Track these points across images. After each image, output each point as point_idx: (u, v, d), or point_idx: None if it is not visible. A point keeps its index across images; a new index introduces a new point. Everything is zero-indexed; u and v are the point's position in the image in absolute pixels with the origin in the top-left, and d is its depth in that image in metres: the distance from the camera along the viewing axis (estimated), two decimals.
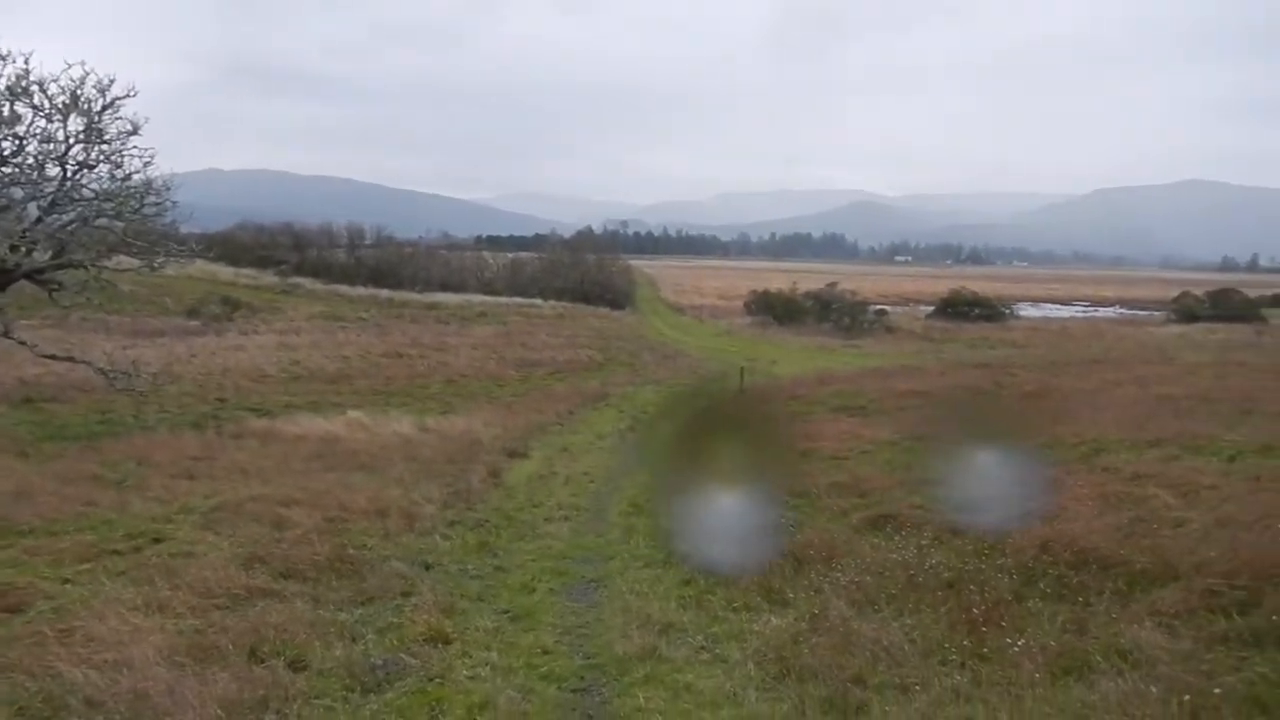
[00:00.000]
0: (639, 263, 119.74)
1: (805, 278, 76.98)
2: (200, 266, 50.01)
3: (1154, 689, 4.89)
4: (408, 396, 27.74)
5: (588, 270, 72.95)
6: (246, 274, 63.15)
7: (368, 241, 79.12)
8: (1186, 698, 4.72)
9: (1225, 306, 60.98)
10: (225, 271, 60.83)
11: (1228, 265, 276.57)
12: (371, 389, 29.03)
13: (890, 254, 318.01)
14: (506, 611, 8.02)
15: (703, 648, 6.90)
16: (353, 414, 21.82)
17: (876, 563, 8.10)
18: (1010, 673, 5.61)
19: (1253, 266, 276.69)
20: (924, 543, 8.48)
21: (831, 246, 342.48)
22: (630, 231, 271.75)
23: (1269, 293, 75.97)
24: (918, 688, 5.65)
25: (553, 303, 63.00)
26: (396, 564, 9.07)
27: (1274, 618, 5.56)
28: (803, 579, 7.99)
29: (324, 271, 68.36)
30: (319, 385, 29.46)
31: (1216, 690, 4.77)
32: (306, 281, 64.22)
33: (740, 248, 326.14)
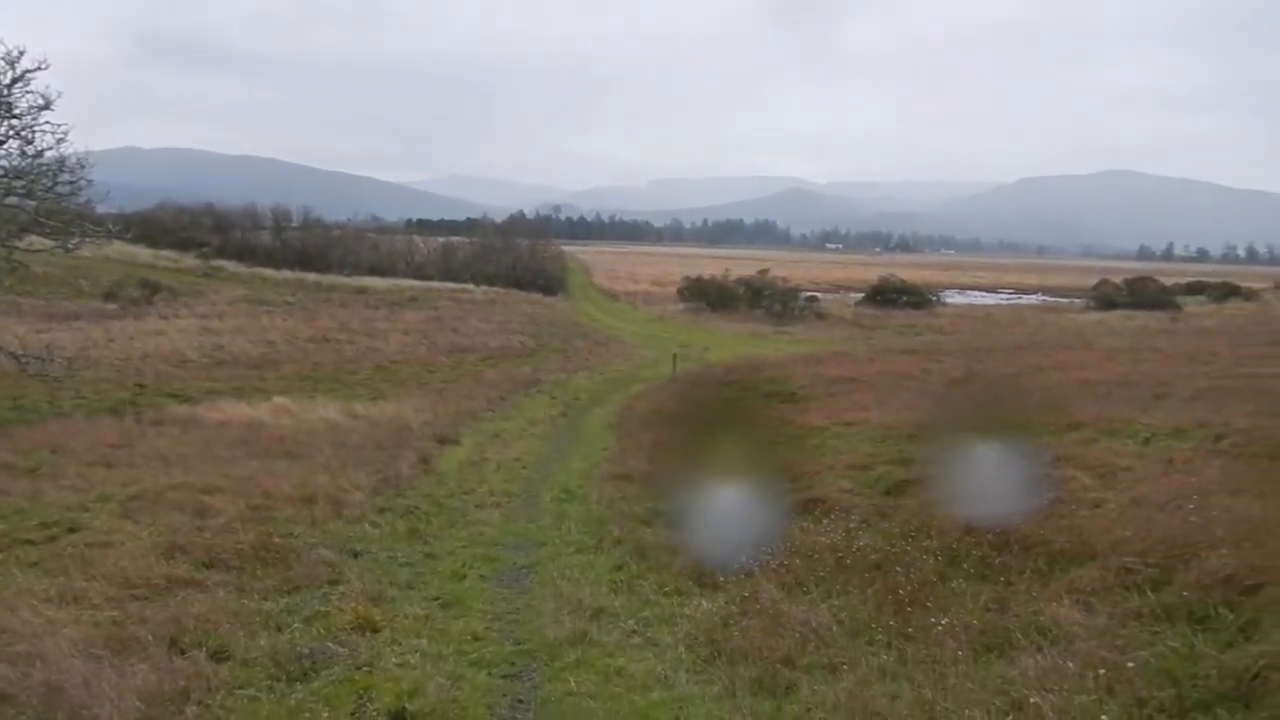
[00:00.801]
0: (572, 248, 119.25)
1: (738, 264, 77.43)
2: (117, 248, 48.51)
3: (1071, 664, 5.04)
4: (336, 382, 27.30)
5: (520, 255, 72.43)
6: (166, 256, 61.40)
7: (294, 224, 77.41)
8: (1102, 671, 4.87)
9: (1142, 294, 62.86)
10: (144, 253, 59.12)
11: (1145, 254, 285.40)
12: (298, 374, 28.51)
13: (821, 241, 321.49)
14: (437, 598, 7.95)
15: (634, 632, 6.93)
16: (278, 400, 21.41)
17: (805, 545, 8.20)
18: (935, 651, 5.72)
19: (1168, 255, 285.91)
20: (852, 526, 8.60)
21: (764, 233, 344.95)
22: (564, 216, 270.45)
23: (1183, 281, 78.54)
24: (845, 667, 5.73)
25: (485, 288, 62.41)
26: (324, 552, 8.93)
27: (1183, 594, 5.76)
28: (733, 562, 8.04)
29: (248, 254, 66.67)
30: (243, 370, 28.85)
31: (1130, 664, 4.93)
32: (230, 264, 62.63)
33: (674, 234, 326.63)
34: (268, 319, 41.61)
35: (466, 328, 41.69)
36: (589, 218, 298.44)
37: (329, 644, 6.58)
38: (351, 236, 79.29)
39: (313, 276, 60.79)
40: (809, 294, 62.59)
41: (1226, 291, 68.57)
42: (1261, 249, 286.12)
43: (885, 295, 62.61)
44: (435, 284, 62.50)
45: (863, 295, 66.07)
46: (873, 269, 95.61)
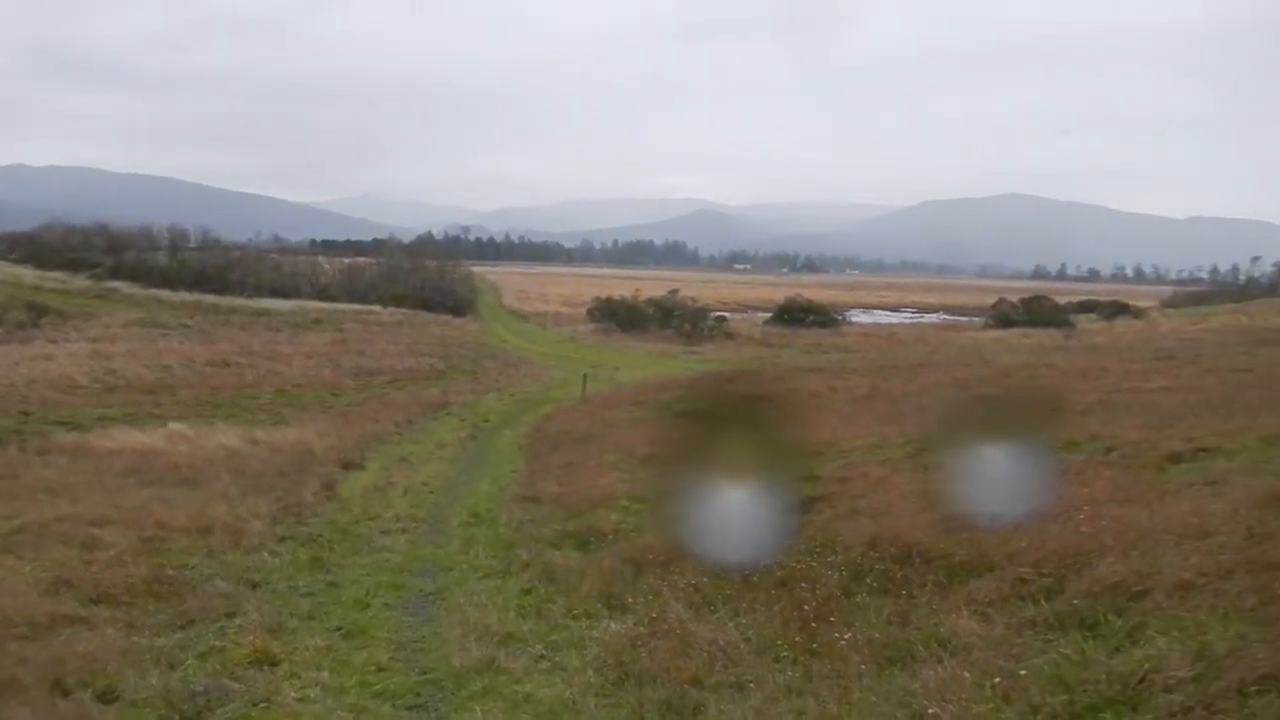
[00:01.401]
0: (482, 269, 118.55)
1: (648, 285, 77.96)
2: (1, 268, 46.37)
3: (968, 674, 5.13)
4: (235, 407, 26.55)
5: (428, 276, 71.70)
6: (55, 277, 58.97)
7: (191, 244, 75.19)
8: (998, 680, 4.97)
9: (1038, 313, 65.25)
10: (30, 274, 56.71)
11: (1040, 274, 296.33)
12: (195, 399, 27.65)
13: (730, 262, 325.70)
14: (339, 629, 7.73)
15: (542, 657, 6.84)
16: (174, 426, 20.70)
17: (714, 564, 8.22)
18: (839, 665, 5.78)
19: (1061, 275, 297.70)
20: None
21: (673, 254, 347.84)
22: (473, 237, 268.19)
23: (1076, 300, 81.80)
24: (752, 685, 5.75)
25: (392, 309, 61.56)
26: (220, 584, 8.61)
27: (1075, 602, 5.93)
28: (642, 583, 8.03)
29: (143, 275, 64.40)
30: (136, 396, 27.85)
31: (1023, 672, 5.05)
32: (124, 286, 60.44)
33: (584, 254, 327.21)
34: (164, 342, 40.31)
35: (373, 350, 41.02)
36: (499, 238, 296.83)
37: (225, 680, 6.33)
38: (253, 257, 77.39)
39: (211, 298, 59.11)
40: (718, 314, 63.38)
41: (1116, 310, 71.55)
42: (1148, 269, 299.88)
43: (792, 315, 63.71)
44: (341, 306, 61.39)
45: (770, 315, 67.12)
46: (780, 289, 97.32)
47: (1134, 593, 5.86)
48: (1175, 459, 10.29)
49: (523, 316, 71.91)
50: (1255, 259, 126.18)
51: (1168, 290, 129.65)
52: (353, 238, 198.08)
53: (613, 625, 7.23)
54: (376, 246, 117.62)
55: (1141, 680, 4.69)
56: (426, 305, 64.85)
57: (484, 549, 10.51)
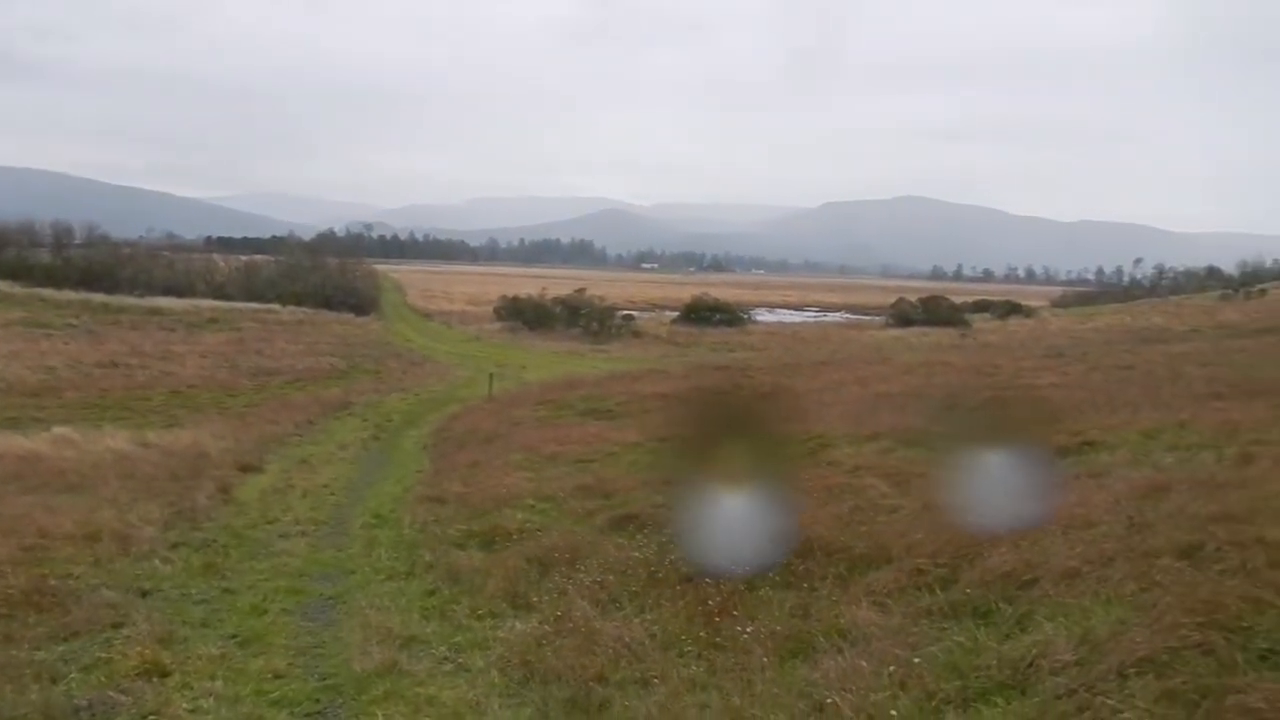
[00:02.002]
0: (385, 267, 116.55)
1: (555, 284, 77.68)
2: None
3: (866, 663, 5.25)
4: (126, 410, 25.56)
5: (330, 274, 70.11)
6: None
7: (77, 241, 71.95)
8: (893, 669, 5.11)
9: (935, 312, 67.13)
10: None
11: (937, 274, 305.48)
12: (83, 402, 26.52)
13: (637, 261, 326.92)
14: (234, 636, 7.49)
15: (446, 658, 6.75)
16: (59, 430, 19.82)
17: (620, 561, 8.23)
18: (743, 658, 5.85)
19: (958, 276, 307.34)
20: (664, 540, 8.71)
21: (580, 253, 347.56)
22: (376, 235, 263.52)
23: (971, 299, 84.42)
24: (657, 680, 5.77)
25: (292, 308, 59.97)
26: (107, 593, 8.26)
27: (968, 591, 6.13)
28: (547, 582, 8.00)
29: (24, 273, 61.30)
30: (18, 399, 26.57)
31: (917, 660, 5.19)
32: (4, 284, 57.50)
33: (490, 253, 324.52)
34: (47, 343, 38.52)
35: (272, 350, 39.94)
36: (403, 236, 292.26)
37: (110, 693, 6.07)
38: (144, 255, 74.47)
39: (100, 297, 56.62)
40: (626, 313, 63.52)
41: (1009, 309, 74.01)
42: (1038, 270, 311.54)
43: (699, 314, 64.27)
44: (238, 305, 59.54)
45: (678, 314, 67.54)
46: (687, 288, 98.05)
47: (1023, 581, 6.07)
48: (1063, 452, 10.71)
49: (428, 315, 70.93)
50: (1138, 261, 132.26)
51: (1057, 291, 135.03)
52: (250, 235, 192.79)
53: (518, 625, 7.18)
54: (276, 244, 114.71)
55: (1030, 665, 4.87)
56: (328, 304, 63.39)
57: (387, 551, 10.32)
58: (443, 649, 6.91)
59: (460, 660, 6.69)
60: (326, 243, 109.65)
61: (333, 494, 14.41)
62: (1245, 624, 4.76)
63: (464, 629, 7.35)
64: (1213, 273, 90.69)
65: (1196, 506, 7.04)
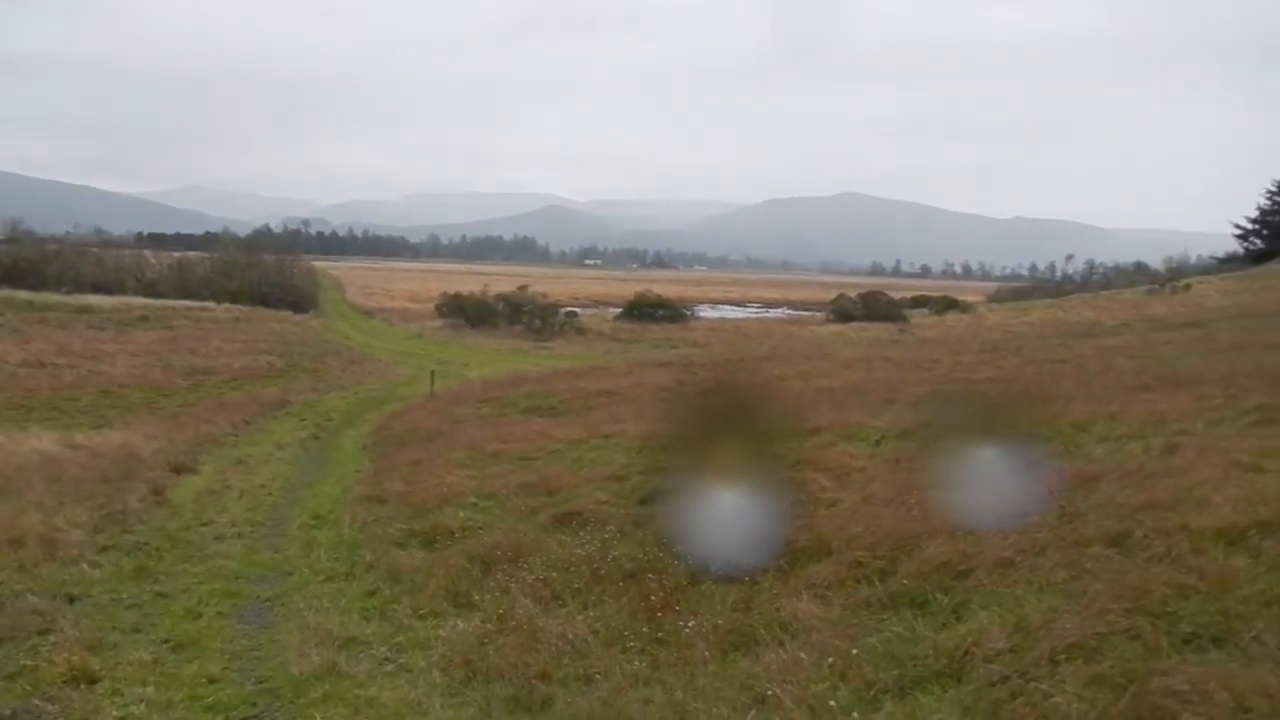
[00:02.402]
0: (324, 264, 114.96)
1: (497, 280, 77.24)
2: None
3: (806, 655, 5.31)
4: (53, 410, 24.83)
5: (267, 271, 68.86)
6: None
7: (0, 237, 69.78)
8: (834, 660, 5.17)
9: (875, 307, 68.02)
10: None
11: (876, 270, 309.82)
12: (7, 403, 25.68)
13: (580, 258, 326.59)
14: (167, 641, 7.32)
15: (387, 659, 6.68)
16: None
17: (563, 559, 8.21)
18: (685, 653, 5.87)
19: (896, 272, 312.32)
20: (608, 536, 8.71)
21: (523, 250, 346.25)
22: (315, 231, 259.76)
23: (909, 295, 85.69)
24: (600, 677, 5.77)
25: (227, 306, 58.78)
26: (32, 599, 8.01)
27: (905, 582, 6.23)
28: (490, 580, 7.95)
29: None
30: None
31: (855, 650, 5.26)
32: None
33: (431, 249, 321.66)
34: None
35: (207, 348, 39.10)
36: (342, 232, 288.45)
37: (36, 702, 5.90)
38: (71, 251, 72.30)
39: (24, 294, 54.80)
40: (568, 309, 63.40)
41: (946, 305, 75.20)
42: (975, 266, 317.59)
43: (642, 310, 64.38)
44: (170, 302, 58.19)
45: (620, 310, 67.57)
46: (630, 285, 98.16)
47: (959, 571, 6.19)
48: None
49: (368, 313, 70.05)
50: (1069, 257, 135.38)
51: (993, 286, 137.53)
52: (183, 231, 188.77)
53: (459, 624, 7.13)
54: (210, 240, 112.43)
55: (965, 653, 4.97)
56: (265, 301, 62.25)
57: (326, 551, 10.17)
58: (383, 650, 6.83)
59: (401, 661, 6.62)
60: (263, 239, 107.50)
61: (270, 494, 14.16)
62: (1170, 609, 4.91)
63: (405, 629, 7.27)
64: (1140, 268, 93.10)
65: (1125, 496, 7.24)
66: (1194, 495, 6.85)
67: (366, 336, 52.58)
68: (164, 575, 9.27)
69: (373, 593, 8.35)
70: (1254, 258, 77.55)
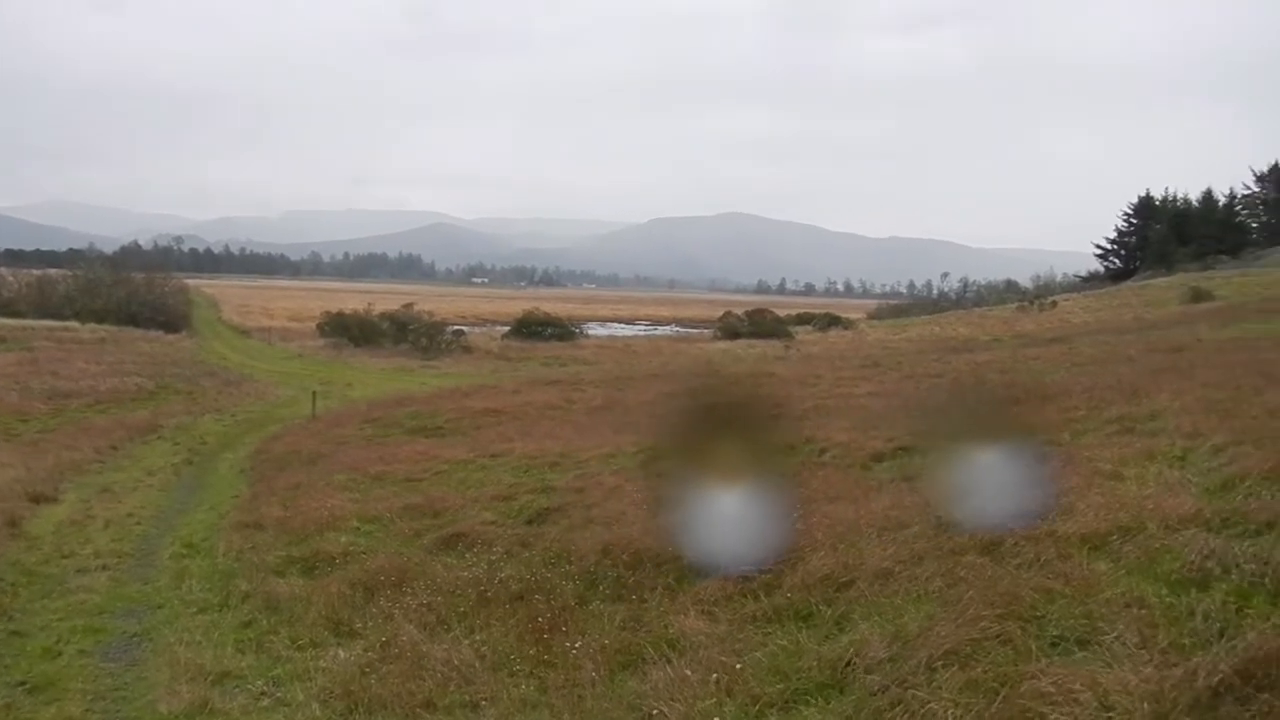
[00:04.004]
0: (198, 282, 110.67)
1: (382, 299, 75.74)
2: None
3: (691, 672, 5.33)
4: None
5: (136, 290, 65.85)
6: None
7: None
8: (718, 675, 5.20)
9: (760, 325, 69.17)
10: None
11: (762, 288, 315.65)
12: None
13: (467, 276, 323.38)
14: (23, 683, 6.89)
15: (263, 693, 6.44)
16: None
17: (448, 582, 8.08)
18: (573, 674, 5.83)
19: (781, 289, 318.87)
20: (495, 558, 8.60)
21: (408, 267, 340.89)
22: (186, 248, 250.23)
23: (794, 312, 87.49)
24: (486, 702, 5.69)
25: (93, 326, 55.96)
26: None
27: (790, 595, 6.32)
28: (373, 606, 7.76)
29: None
30: None
31: (739, 665, 5.30)
32: None
33: (312, 267, 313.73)
34: None
35: (70, 370, 37.08)
36: (217, 249, 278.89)
37: None
38: None
39: None
40: (456, 328, 62.56)
41: (829, 321, 77.01)
42: (855, 284, 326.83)
43: (530, 328, 63.99)
44: (29, 322, 55.07)
45: (509, 328, 67.03)
46: (518, 303, 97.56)
47: (841, 583, 6.31)
48: (878, 458, 11.22)
49: (245, 332, 67.71)
50: (945, 275, 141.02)
51: (873, 303, 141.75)
52: (44, 247, 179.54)
53: (341, 653, 6.92)
54: (74, 257, 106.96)
55: (847, 664, 5.06)
56: (134, 321, 59.50)
57: (199, 582, 9.76)
58: (260, 683, 6.59)
59: (279, 694, 6.39)
60: (132, 256, 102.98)
61: (139, 523, 13.49)
62: (1039, 613, 5.11)
63: (283, 660, 7.03)
64: (1010, 286, 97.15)
65: (996, 505, 7.51)
66: (1060, 503, 7.14)
67: (244, 357, 50.80)
68: (19, 613, 8.74)
69: (249, 624, 8.05)
70: (1113, 276, 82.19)
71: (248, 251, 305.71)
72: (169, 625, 8.33)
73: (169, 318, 63.73)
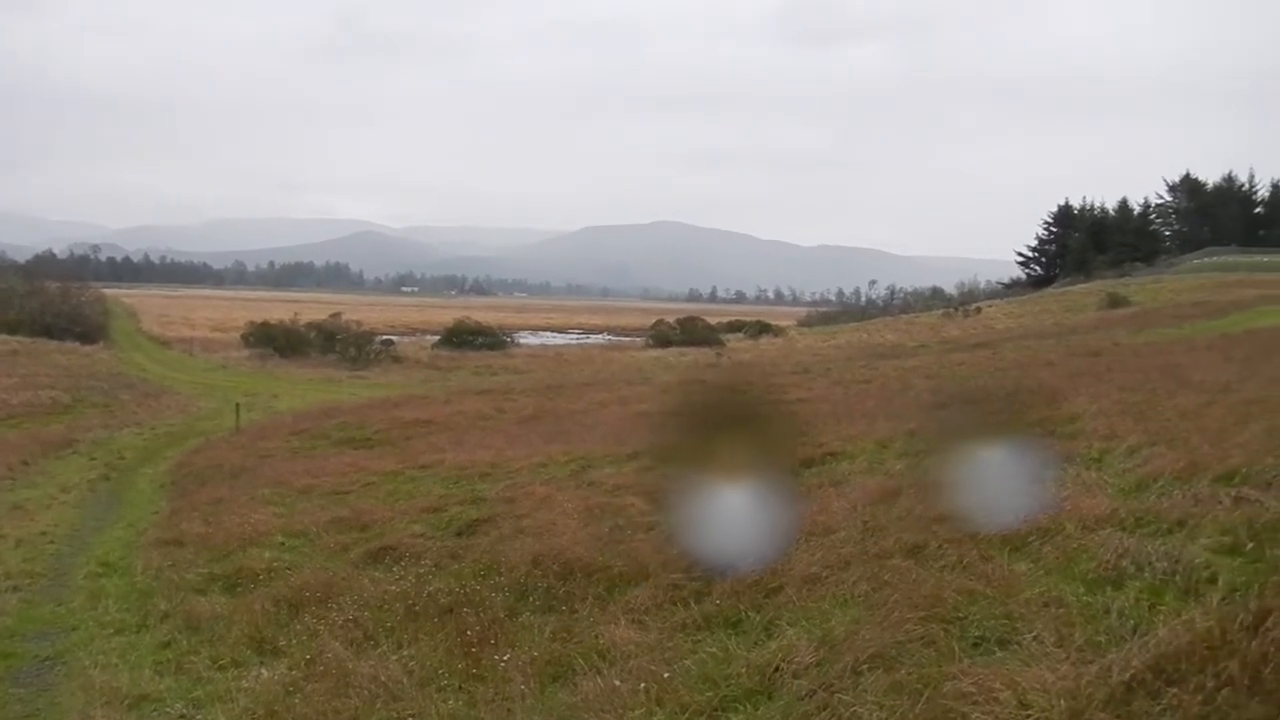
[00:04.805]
0: (116, 292, 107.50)
1: (308, 308, 74.44)
2: None
3: (621, 682, 5.31)
4: None
5: (50, 300, 63.70)
6: None
7: None
8: (648, 685, 5.19)
9: (692, 332, 69.49)
10: None
11: (693, 296, 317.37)
12: None
13: (396, 285, 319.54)
14: None
15: (183, 716, 6.27)
16: None
17: (376, 596, 7.95)
18: (503, 688, 5.77)
19: (712, 297, 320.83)
20: (423, 571, 8.49)
21: (336, 276, 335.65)
22: (105, 257, 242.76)
23: (725, 320, 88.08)
24: (414, 719, 5.60)
25: (4, 337, 53.99)
26: None
27: (719, 602, 6.35)
28: (298, 623, 7.60)
29: None
30: None
31: (666, 674, 5.31)
32: None
33: (236, 276, 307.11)
34: None
35: None
36: (136, 258, 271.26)
37: None
38: None
39: None
40: (385, 337, 61.61)
41: (760, 329, 77.66)
42: (785, 291, 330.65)
43: (461, 337, 63.37)
44: None
45: (439, 338, 66.32)
46: (449, 311, 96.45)
47: (770, 589, 6.36)
48: (807, 463, 11.34)
49: (166, 343, 65.89)
50: (872, 283, 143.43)
51: (803, 311, 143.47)
52: None
53: (264, 672, 6.76)
54: None
55: (775, 669, 5.10)
56: (48, 332, 57.53)
57: (115, 602, 9.47)
58: (179, 705, 6.41)
59: (199, 717, 6.23)
60: (46, 265, 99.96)
61: (52, 542, 13.03)
62: (961, 614, 5.21)
63: (204, 682, 6.84)
64: (936, 293, 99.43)
65: (922, 509, 7.64)
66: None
67: (165, 368, 49.45)
68: None
69: (168, 644, 7.83)
70: (1035, 283, 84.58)
71: (169, 260, 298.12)
72: (84, 647, 8.06)
73: (85, 328, 61.77)
